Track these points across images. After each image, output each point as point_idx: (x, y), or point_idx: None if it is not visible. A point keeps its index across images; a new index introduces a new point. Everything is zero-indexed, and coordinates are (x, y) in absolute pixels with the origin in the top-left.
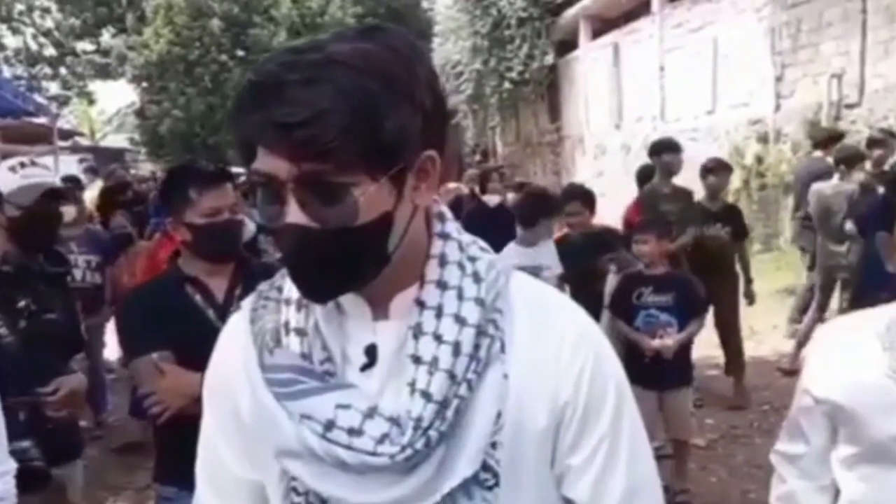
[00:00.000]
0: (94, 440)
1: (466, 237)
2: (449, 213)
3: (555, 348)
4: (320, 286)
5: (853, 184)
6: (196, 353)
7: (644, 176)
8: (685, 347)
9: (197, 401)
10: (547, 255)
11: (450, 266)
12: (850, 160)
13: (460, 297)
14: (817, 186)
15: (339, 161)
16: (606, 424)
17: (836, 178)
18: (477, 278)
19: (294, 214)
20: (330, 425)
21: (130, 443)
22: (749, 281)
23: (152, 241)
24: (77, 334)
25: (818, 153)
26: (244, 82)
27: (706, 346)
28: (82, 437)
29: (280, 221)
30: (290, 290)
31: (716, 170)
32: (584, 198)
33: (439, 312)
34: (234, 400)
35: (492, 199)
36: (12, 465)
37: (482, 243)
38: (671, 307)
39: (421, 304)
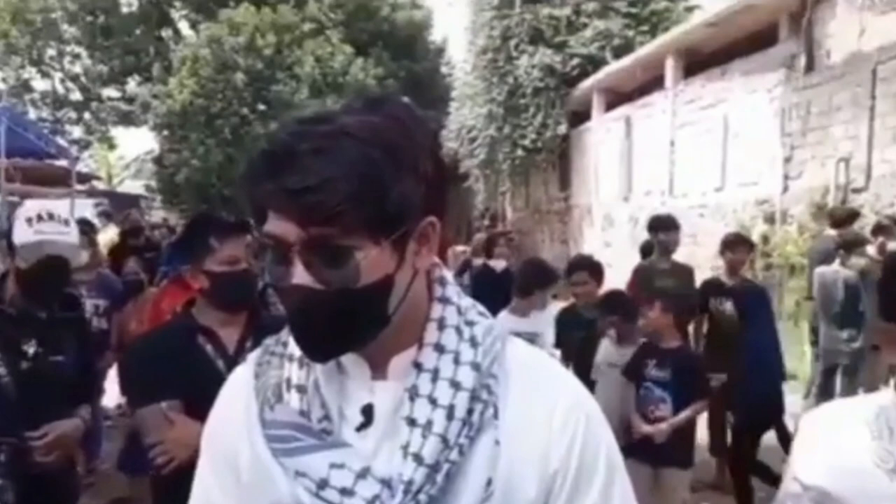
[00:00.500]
0: (86, 488)
1: (466, 301)
2: (450, 278)
3: (547, 415)
4: (321, 346)
5: (852, 269)
6: (204, 403)
7: (647, 251)
8: (686, 428)
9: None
10: (539, 324)
11: (448, 330)
12: (849, 245)
13: (457, 361)
14: (820, 270)
15: (344, 226)
16: (597, 493)
17: (836, 264)
18: (474, 343)
19: (300, 276)
20: (323, 484)
21: (118, 498)
22: None
23: (158, 289)
24: (88, 379)
25: (832, 232)
26: (258, 150)
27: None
28: (78, 483)
29: (286, 282)
30: (294, 346)
31: (734, 244)
32: (590, 268)
33: (435, 376)
34: (233, 451)
35: (498, 264)
36: None
37: (481, 308)
38: (667, 383)
39: (418, 366)
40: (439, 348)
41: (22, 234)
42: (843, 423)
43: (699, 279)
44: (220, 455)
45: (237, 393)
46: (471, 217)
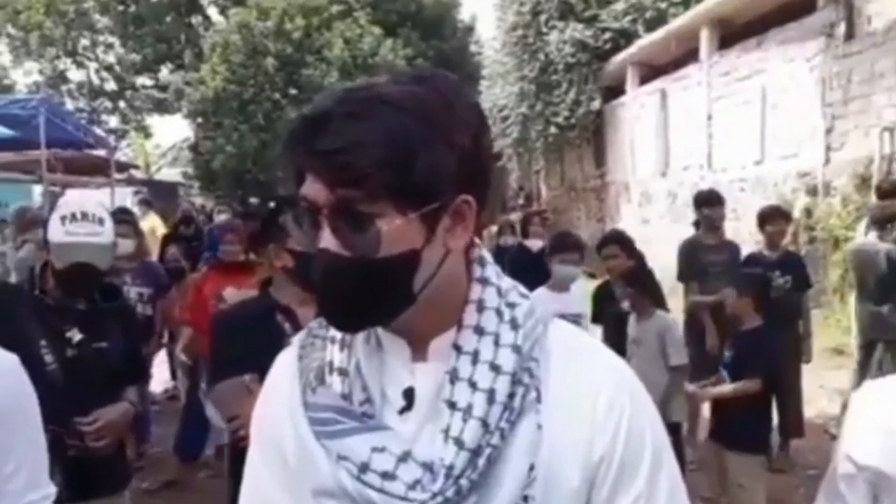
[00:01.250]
0: (136, 471)
1: (506, 282)
2: (489, 258)
3: (591, 399)
4: (342, 314)
5: (891, 242)
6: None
7: (698, 227)
8: (752, 412)
9: None
10: (579, 301)
11: (487, 312)
12: (879, 221)
13: (497, 343)
14: (856, 244)
15: (369, 190)
16: (643, 482)
17: (872, 236)
18: (514, 325)
19: (326, 240)
20: (364, 468)
21: (167, 481)
22: (807, 336)
23: (199, 275)
24: (135, 364)
25: (882, 202)
26: (300, 116)
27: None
28: (130, 467)
29: (315, 246)
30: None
31: (771, 217)
32: (620, 242)
33: (475, 358)
34: (279, 434)
35: (535, 244)
36: (52, 490)
37: (522, 289)
38: (727, 364)
39: (458, 348)
40: (479, 330)
41: (55, 232)
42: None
43: (743, 254)
44: (268, 439)
45: (282, 376)
46: (505, 197)
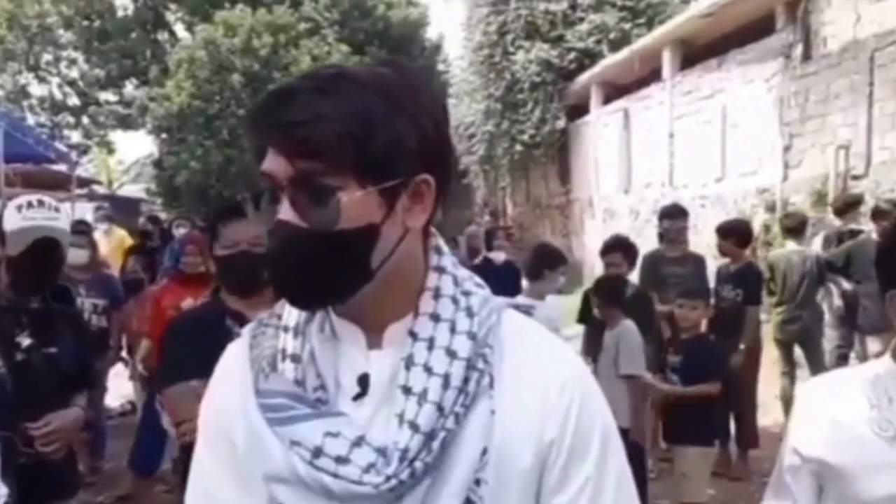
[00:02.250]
0: (89, 486)
1: (462, 272)
2: (445, 248)
3: (542, 386)
4: (299, 288)
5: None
6: None
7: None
8: (697, 407)
9: None
10: (553, 309)
11: (444, 299)
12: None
13: (452, 330)
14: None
15: (330, 163)
16: (592, 465)
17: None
18: (470, 313)
19: (284, 212)
20: (318, 452)
21: (122, 496)
22: (751, 348)
23: (158, 286)
24: (84, 371)
25: (836, 221)
26: (266, 92)
27: None
28: (79, 475)
29: (273, 220)
30: (289, 316)
31: (727, 231)
32: (624, 249)
33: (431, 344)
34: (229, 425)
35: (498, 256)
36: (4, 491)
37: (478, 279)
38: (677, 368)
39: (413, 335)
40: (435, 317)
41: (11, 221)
42: (841, 392)
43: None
44: (216, 431)
45: (231, 365)
46: (471, 213)
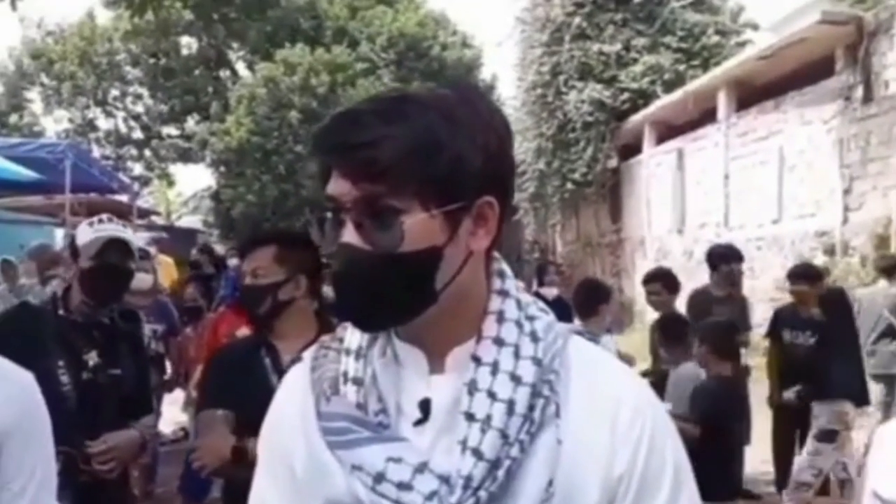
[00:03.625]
0: None
1: (526, 296)
2: (509, 272)
3: (611, 416)
4: (363, 311)
5: None
6: (254, 415)
7: None
8: (702, 460)
9: (236, 465)
10: (610, 346)
11: (508, 323)
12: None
13: (517, 355)
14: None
15: (393, 185)
16: (664, 500)
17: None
18: (535, 338)
19: (349, 235)
20: (380, 478)
21: None
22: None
23: (216, 314)
24: (145, 395)
25: (883, 282)
26: (331, 115)
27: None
28: (132, 497)
29: (336, 242)
30: (351, 339)
31: (800, 277)
32: (664, 279)
33: (495, 369)
34: (288, 448)
35: (550, 292)
36: None
37: (541, 304)
38: None
39: (477, 359)
40: (499, 341)
41: (84, 234)
42: None
43: (761, 312)
44: (275, 455)
45: (292, 390)
46: (521, 250)
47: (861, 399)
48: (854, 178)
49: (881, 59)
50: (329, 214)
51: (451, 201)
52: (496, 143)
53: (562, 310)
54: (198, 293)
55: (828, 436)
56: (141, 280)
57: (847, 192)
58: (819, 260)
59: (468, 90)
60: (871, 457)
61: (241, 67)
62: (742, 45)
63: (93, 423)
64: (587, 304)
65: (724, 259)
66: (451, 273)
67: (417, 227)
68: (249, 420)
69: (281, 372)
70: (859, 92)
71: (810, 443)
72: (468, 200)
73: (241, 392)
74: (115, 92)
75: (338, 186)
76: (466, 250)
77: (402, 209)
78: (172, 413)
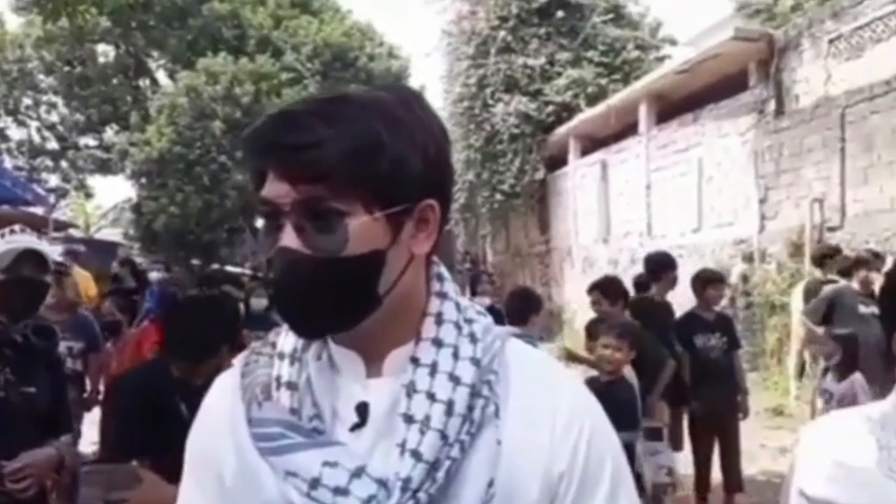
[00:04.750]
0: None
1: (464, 300)
2: (448, 275)
3: (550, 415)
4: (306, 317)
5: None
6: (170, 452)
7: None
8: None
9: None
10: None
11: (446, 325)
12: (845, 272)
13: (456, 356)
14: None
15: (336, 187)
16: (602, 500)
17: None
18: (473, 339)
19: (288, 238)
20: (315, 483)
21: None
22: (744, 393)
23: (138, 330)
24: (62, 413)
25: (817, 273)
26: (266, 115)
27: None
28: None
29: (275, 247)
30: (284, 343)
31: (714, 281)
32: (602, 287)
33: (434, 370)
34: (216, 457)
35: (483, 301)
36: None
37: (479, 307)
38: None
39: (415, 361)
40: (437, 342)
41: None
42: (847, 433)
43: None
44: (202, 463)
45: (221, 396)
46: (453, 260)
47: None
48: (769, 189)
49: (791, 75)
50: (264, 219)
51: (394, 203)
52: (435, 147)
53: (494, 318)
54: (115, 307)
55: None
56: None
57: (763, 201)
58: (738, 267)
59: (405, 92)
60: (798, 455)
61: (161, 76)
62: (661, 59)
63: (7, 442)
64: (519, 312)
65: (670, 266)
66: (394, 277)
67: (361, 229)
68: (166, 466)
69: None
70: (772, 105)
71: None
72: (410, 203)
73: (154, 437)
74: (27, 101)
75: (275, 189)
76: (408, 254)
77: (346, 211)
78: (93, 433)
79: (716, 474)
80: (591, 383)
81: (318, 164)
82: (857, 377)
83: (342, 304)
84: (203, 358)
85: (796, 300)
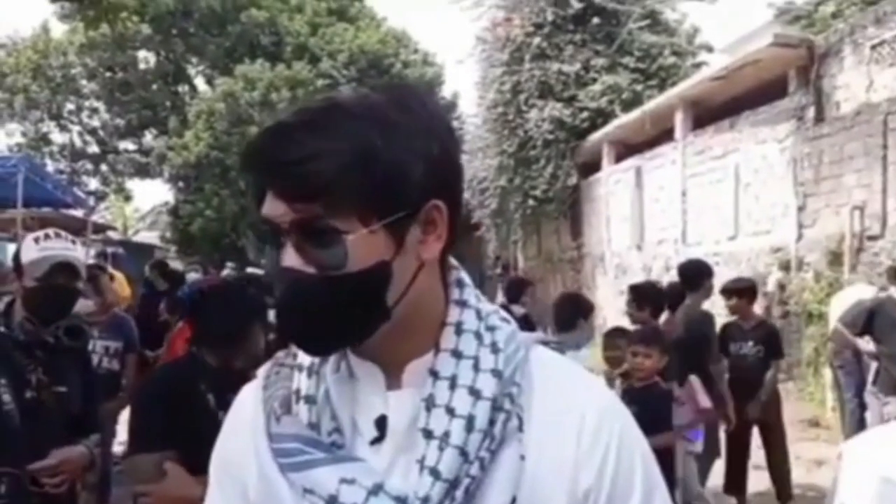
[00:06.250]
0: None
1: (486, 305)
2: (468, 280)
3: (576, 428)
4: (312, 336)
5: None
6: (198, 444)
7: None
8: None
9: None
10: (585, 362)
11: (466, 335)
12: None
13: (476, 367)
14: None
15: (330, 203)
16: None
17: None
18: (495, 349)
19: (289, 258)
20: (332, 501)
21: None
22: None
23: (174, 331)
24: (91, 413)
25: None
26: (259, 130)
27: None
28: None
29: (277, 267)
30: (304, 356)
31: (741, 291)
32: (636, 291)
33: (453, 383)
34: (241, 471)
35: (518, 310)
36: None
37: (503, 313)
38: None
39: (434, 373)
40: (457, 354)
41: (29, 252)
42: (891, 449)
43: (719, 324)
44: (227, 475)
45: (244, 409)
46: (483, 266)
47: None
48: (808, 196)
49: (831, 81)
50: (270, 237)
51: (394, 211)
52: (438, 147)
53: (527, 328)
54: (167, 309)
55: None
56: (82, 305)
57: (801, 209)
58: (774, 276)
59: (403, 93)
60: (841, 470)
61: (199, 82)
62: (697, 66)
63: (39, 442)
64: (567, 317)
65: (706, 274)
66: (403, 286)
67: (360, 244)
68: (194, 451)
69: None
70: (811, 112)
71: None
72: (412, 208)
73: (181, 431)
74: (69, 106)
75: (273, 208)
76: (417, 260)
77: (342, 227)
78: (124, 432)
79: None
80: (627, 392)
81: (311, 182)
82: None
83: (349, 321)
84: (234, 341)
85: (835, 310)
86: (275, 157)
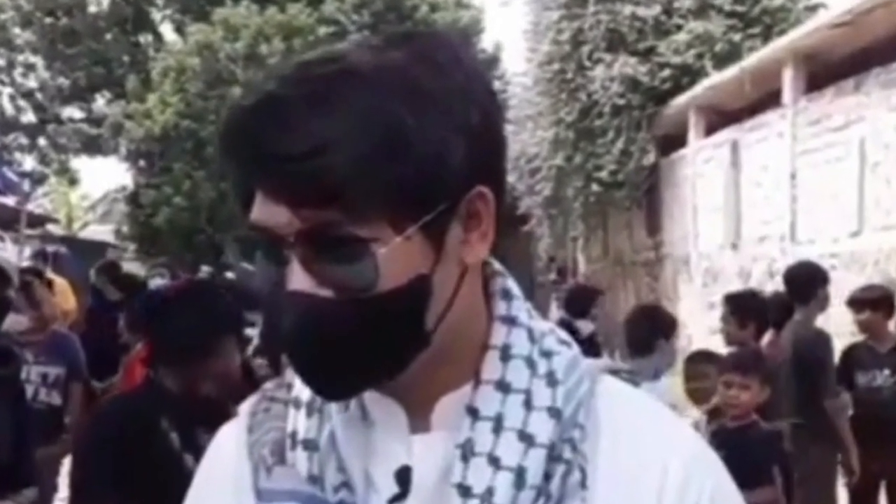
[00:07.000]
0: None
1: (540, 324)
2: (517, 290)
3: (656, 486)
4: (334, 378)
5: None
6: (160, 500)
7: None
8: None
9: None
10: (668, 392)
11: (515, 361)
12: None
13: (528, 405)
14: None
15: (351, 207)
16: None
17: None
18: (552, 381)
19: (297, 279)
20: None
21: None
22: None
23: (130, 355)
24: (24, 460)
25: None
26: (237, 105)
27: None
28: None
29: (282, 290)
30: (301, 387)
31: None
32: (734, 302)
33: (498, 425)
34: None
35: (586, 327)
36: None
37: (562, 334)
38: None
39: (474, 412)
40: (503, 387)
41: None
42: None
43: (838, 346)
44: None
45: (223, 457)
46: (533, 269)
47: None
48: None
49: None
50: (261, 247)
51: (432, 208)
52: (479, 116)
53: (590, 352)
54: (126, 327)
55: None
56: (13, 321)
57: None
58: None
59: (431, 45)
60: None
61: (167, 30)
62: (813, 8)
63: None
64: (645, 336)
65: (819, 282)
66: (444, 303)
67: (395, 255)
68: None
69: (196, 447)
70: None
71: None
72: (451, 200)
73: (137, 477)
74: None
75: (270, 214)
76: (460, 265)
77: (370, 236)
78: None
79: None
80: (718, 434)
81: (325, 180)
82: None
83: (380, 354)
84: (197, 359)
85: None
86: (268, 148)
